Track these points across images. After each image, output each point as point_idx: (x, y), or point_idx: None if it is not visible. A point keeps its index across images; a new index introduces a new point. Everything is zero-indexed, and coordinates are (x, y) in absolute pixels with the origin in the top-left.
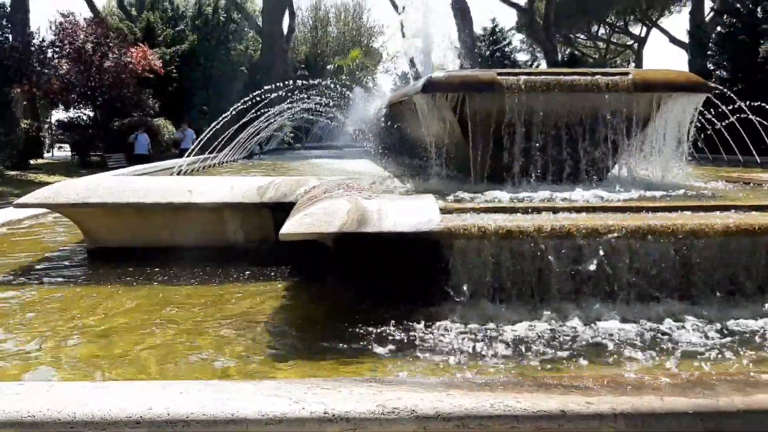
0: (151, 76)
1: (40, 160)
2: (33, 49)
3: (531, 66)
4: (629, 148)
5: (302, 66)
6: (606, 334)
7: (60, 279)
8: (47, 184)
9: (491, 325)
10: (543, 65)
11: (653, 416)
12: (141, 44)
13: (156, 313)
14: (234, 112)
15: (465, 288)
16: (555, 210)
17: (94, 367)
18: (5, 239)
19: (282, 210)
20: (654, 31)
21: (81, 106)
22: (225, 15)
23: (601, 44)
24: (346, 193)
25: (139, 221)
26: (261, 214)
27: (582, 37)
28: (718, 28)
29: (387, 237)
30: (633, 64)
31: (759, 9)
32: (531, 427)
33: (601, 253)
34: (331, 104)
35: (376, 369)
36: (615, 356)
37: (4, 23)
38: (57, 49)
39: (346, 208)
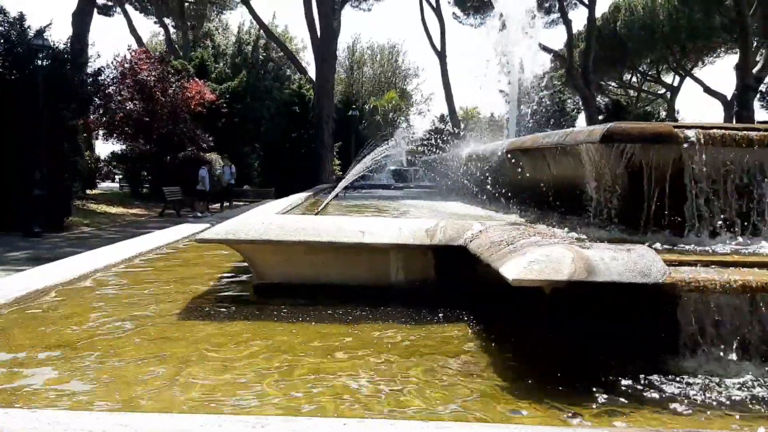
0: (204, 111)
1: (95, 191)
2: (101, 82)
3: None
4: None
5: (354, 107)
6: None
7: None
8: (111, 214)
9: (728, 380)
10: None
11: None
12: (195, 80)
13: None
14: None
15: (696, 340)
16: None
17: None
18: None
19: (448, 252)
20: (687, 80)
21: (139, 138)
22: (264, 54)
23: (632, 92)
24: (556, 241)
25: (305, 259)
26: (426, 255)
27: (613, 84)
28: None
29: (615, 287)
30: (665, 113)
31: None
32: None
33: None
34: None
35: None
36: None
37: (66, 57)
38: (118, 82)
39: (570, 256)
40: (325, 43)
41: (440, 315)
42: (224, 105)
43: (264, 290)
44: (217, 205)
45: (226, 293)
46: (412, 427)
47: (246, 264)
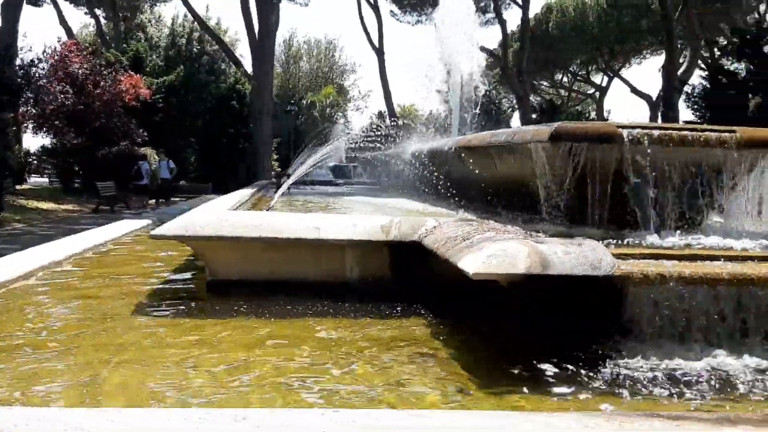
0: (138, 105)
1: (25, 186)
2: (32, 74)
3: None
4: (729, 201)
5: (292, 103)
6: None
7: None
8: (43, 210)
9: (671, 363)
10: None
11: None
12: (130, 73)
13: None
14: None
15: (641, 328)
16: (715, 258)
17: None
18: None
19: (403, 248)
20: (615, 80)
21: (70, 132)
22: (199, 47)
23: (563, 92)
24: (510, 237)
25: (261, 255)
26: (381, 251)
27: (546, 84)
28: (701, 82)
29: (568, 280)
30: (594, 113)
31: (742, 67)
32: None
33: None
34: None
35: (596, 401)
36: None
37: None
38: (49, 75)
39: (525, 251)
40: (262, 37)
41: (397, 309)
42: (160, 100)
43: (218, 287)
44: (153, 201)
45: (177, 291)
46: (387, 416)
47: (197, 260)
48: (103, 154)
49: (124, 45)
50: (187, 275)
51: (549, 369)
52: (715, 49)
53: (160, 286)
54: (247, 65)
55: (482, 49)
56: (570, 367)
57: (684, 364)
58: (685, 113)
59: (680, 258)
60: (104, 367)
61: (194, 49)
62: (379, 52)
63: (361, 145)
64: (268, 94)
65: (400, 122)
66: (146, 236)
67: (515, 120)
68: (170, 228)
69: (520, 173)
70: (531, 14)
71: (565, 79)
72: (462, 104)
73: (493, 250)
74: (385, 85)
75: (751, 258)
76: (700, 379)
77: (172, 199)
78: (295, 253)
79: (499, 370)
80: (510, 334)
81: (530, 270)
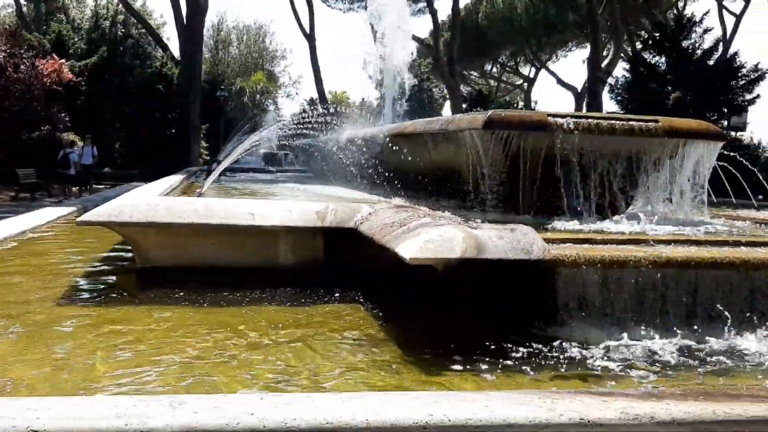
0: (61, 89)
1: None
2: None
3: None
4: (652, 187)
5: (222, 89)
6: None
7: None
8: None
9: (603, 342)
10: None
11: None
12: (53, 56)
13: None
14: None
15: (570, 310)
16: (641, 242)
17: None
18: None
19: (338, 234)
20: (542, 72)
21: None
22: (123, 30)
23: (492, 82)
24: (446, 222)
25: (194, 241)
26: (317, 238)
27: (475, 74)
28: (624, 74)
29: (502, 264)
30: (522, 103)
31: (663, 60)
32: (748, 430)
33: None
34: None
35: (529, 380)
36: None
37: None
38: None
39: (460, 236)
40: (190, 19)
41: (334, 296)
42: (83, 83)
43: (149, 274)
44: (76, 189)
45: (106, 280)
46: (327, 399)
47: (126, 248)
48: (23, 139)
49: (45, 27)
50: (116, 263)
51: (484, 352)
52: (638, 43)
53: (86, 275)
54: (174, 49)
55: (414, 38)
56: (504, 348)
57: (614, 344)
58: (609, 104)
59: (605, 242)
60: (24, 356)
61: (119, 32)
62: (310, 37)
63: (294, 132)
64: (197, 79)
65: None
66: (69, 224)
67: (446, 109)
68: (98, 214)
69: (455, 160)
70: (462, 4)
71: (494, 69)
72: (394, 93)
73: (429, 236)
74: (317, 71)
75: (666, 242)
76: (630, 358)
77: (96, 186)
78: (229, 239)
79: (435, 354)
80: (444, 319)
81: (466, 254)
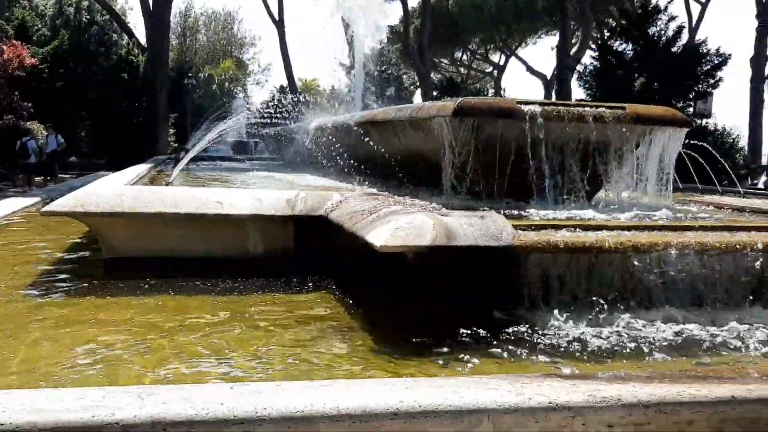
0: (24, 75)
1: None
2: None
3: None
4: (619, 174)
5: (189, 76)
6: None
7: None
8: None
9: (575, 327)
10: (419, 90)
11: None
12: (14, 42)
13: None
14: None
15: (539, 295)
16: (608, 228)
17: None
18: None
19: (308, 223)
20: (512, 60)
21: None
22: (88, 16)
23: (462, 70)
24: (416, 210)
25: (161, 231)
26: (287, 226)
27: (446, 62)
28: (592, 62)
29: (472, 250)
30: (492, 91)
31: (630, 47)
32: (710, 411)
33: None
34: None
35: (499, 365)
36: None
37: None
38: None
39: (430, 223)
40: (157, 5)
41: (306, 285)
42: (46, 70)
43: (116, 265)
44: (40, 179)
45: (73, 270)
46: (297, 388)
47: (92, 238)
48: None
49: (8, 13)
50: (83, 253)
51: (455, 338)
52: (605, 31)
53: (52, 265)
54: (141, 36)
55: (384, 25)
56: (475, 334)
57: (582, 328)
58: (578, 92)
59: (573, 227)
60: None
61: (83, 19)
62: (280, 24)
63: (263, 120)
64: (164, 67)
65: (302, 97)
66: (34, 215)
67: (417, 97)
68: (64, 204)
69: (426, 148)
70: None
71: (464, 57)
72: (365, 80)
73: (399, 223)
74: (286, 58)
75: (634, 228)
76: (598, 342)
77: (61, 175)
78: (197, 228)
79: (406, 341)
80: (416, 306)
81: (436, 241)
